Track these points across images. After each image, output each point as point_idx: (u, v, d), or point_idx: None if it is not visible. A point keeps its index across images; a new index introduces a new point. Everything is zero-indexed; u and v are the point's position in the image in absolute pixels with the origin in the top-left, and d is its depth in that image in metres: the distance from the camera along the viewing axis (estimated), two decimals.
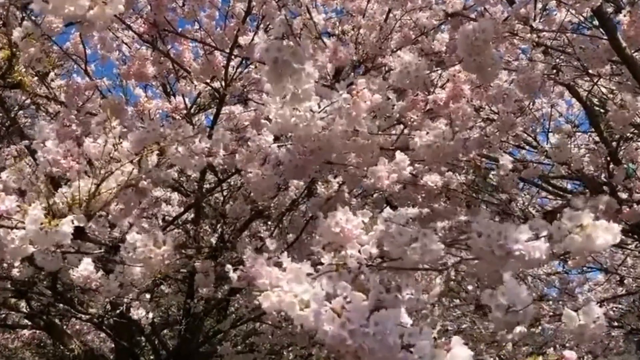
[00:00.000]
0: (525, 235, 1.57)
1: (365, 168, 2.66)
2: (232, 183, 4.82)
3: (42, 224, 1.65)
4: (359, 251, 1.63)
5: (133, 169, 2.36)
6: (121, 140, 2.46)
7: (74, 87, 3.61)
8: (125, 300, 4.04)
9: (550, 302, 5.56)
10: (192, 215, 4.77)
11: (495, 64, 2.44)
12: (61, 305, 4.72)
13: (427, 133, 2.59)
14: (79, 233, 2.09)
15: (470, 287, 5.11)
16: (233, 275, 1.96)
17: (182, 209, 5.10)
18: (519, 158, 5.23)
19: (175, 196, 5.54)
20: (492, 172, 3.67)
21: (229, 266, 1.99)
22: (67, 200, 1.85)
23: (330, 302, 1.31)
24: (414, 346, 1.24)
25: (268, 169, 2.58)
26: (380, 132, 2.55)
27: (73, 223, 1.73)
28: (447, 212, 3.48)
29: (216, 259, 4.02)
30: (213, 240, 4.52)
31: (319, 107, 2.12)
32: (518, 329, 1.29)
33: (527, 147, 5.29)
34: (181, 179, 5.11)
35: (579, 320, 1.38)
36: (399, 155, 2.67)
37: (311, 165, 2.63)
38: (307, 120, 2.08)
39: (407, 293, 1.44)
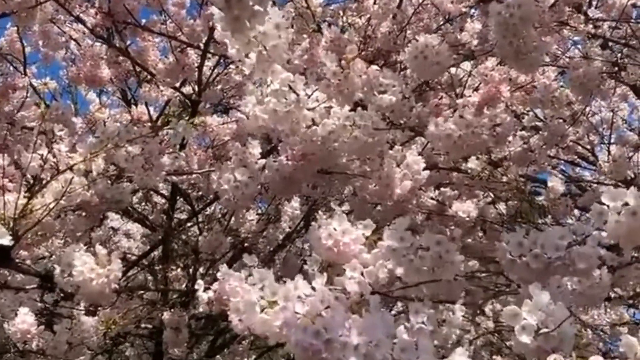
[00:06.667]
0: (567, 240, 1.51)
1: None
2: (208, 214, 4.77)
3: None
4: (362, 274, 1.57)
5: (72, 177, 2.34)
6: (69, 154, 2.45)
7: (5, 85, 3.59)
8: None
9: None
10: (160, 253, 4.72)
11: (538, 49, 2.38)
12: None
13: (446, 120, 2.52)
14: (3, 258, 2.04)
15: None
16: (202, 295, 1.90)
17: (147, 247, 5.05)
18: (572, 176, 5.18)
19: (138, 228, 5.50)
20: (540, 198, 3.61)
21: (200, 282, 1.94)
22: None
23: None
24: None
25: (245, 172, 2.48)
26: (388, 127, 2.50)
27: None
28: (483, 248, 3.43)
29: (187, 308, 3.96)
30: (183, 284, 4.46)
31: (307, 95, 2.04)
32: (552, 357, 1.19)
33: (582, 164, 5.23)
34: (145, 208, 5.07)
35: None
36: (411, 155, 2.61)
37: (303, 176, 2.55)
38: (289, 107, 1.99)
39: (417, 321, 1.37)
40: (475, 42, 3.48)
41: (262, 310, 1.33)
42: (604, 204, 1.41)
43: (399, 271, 1.63)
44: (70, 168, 2.38)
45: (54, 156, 2.36)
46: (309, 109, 2.06)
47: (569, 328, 1.24)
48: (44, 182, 2.36)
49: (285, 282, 1.35)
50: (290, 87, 1.98)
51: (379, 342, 1.23)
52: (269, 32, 1.57)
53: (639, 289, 3.65)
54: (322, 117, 2.11)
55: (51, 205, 2.33)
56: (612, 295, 3.41)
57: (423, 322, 1.38)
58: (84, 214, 2.81)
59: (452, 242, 1.61)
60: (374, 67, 2.12)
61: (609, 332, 5.69)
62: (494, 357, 5.79)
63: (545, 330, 1.24)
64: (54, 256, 4.15)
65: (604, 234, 1.44)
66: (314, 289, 1.31)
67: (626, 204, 1.38)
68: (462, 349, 1.21)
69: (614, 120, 5.11)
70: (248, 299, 1.35)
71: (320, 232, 1.65)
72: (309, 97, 2.05)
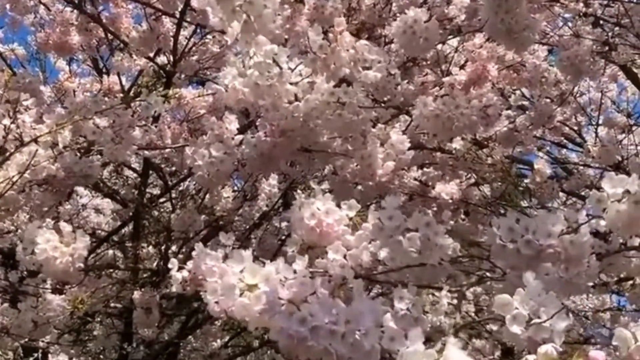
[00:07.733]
0: (560, 227, 1.51)
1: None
2: (182, 189, 4.74)
3: None
4: (345, 257, 1.56)
5: (37, 150, 2.30)
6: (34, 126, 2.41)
7: None
8: (42, 343, 3.95)
9: (599, 347, 5.52)
10: (131, 230, 4.68)
11: (530, 27, 2.36)
12: None
13: (435, 100, 2.49)
14: None
15: (494, 327, 5.05)
16: (176, 275, 1.88)
17: (117, 223, 5.00)
18: (558, 158, 5.21)
19: (108, 203, 5.45)
20: (525, 181, 3.61)
21: (173, 261, 1.91)
22: None
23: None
24: (397, 353, 1.17)
25: (220, 148, 2.44)
26: (374, 106, 2.45)
27: None
28: (466, 231, 3.44)
29: (158, 287, 3.94)
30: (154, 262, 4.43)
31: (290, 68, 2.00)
32: (544, 348, 1.19)
33: (569, 145, 5.26)
34: (116, 183, 5.02)
35: (635, 342, 1.27)
36: (395, 134, 2.58)
37: (282, 153, 2.52)
38: (271, 80, 1.94)
39: (401, 308, 1.37)
40: (462, 16, 3.45)
41: (241, 294, 1.30)
42: (602, 189, 1.39)
43: (384, 253, 1.61)
44: (35, 140, 2.34)
45: (18, 127, 2.31)
46: (291, 84, 2.02)
47: (562, 319, 1.23)
48: (7, 154, 2.32)
49: (262, 262, 1.32)
50: (274, 60, 1.94)
51: (367, 331, 1.22)
52: (255, 2, 1.53)
53: (623, 275, 3.67)
54: (305, 93, 2.08)
55: (15, 179, 2.29)
56: (597, 281, 3.43)
57: (408, 309, 1.38)
58: (50, 188, 2.76)
59: (442, 225, 1.59)
60: (363, 41, 2.07)
61: (590, 318, 5.76)
62: (473, 340, 5.85)
63: (537, 320, 1.23)
64: (19, 231, 4.11)
65: (602, 222, 1.43)
66: (295, 272, 1.28)
67: (627, 191, 1.37)
68: (455, 339, 1.20)
69: (603, 101, 5.13)
70: (227, 282, 1.31)
71: (303, 211, 1.63)
72: (292, 70, 2.00)
